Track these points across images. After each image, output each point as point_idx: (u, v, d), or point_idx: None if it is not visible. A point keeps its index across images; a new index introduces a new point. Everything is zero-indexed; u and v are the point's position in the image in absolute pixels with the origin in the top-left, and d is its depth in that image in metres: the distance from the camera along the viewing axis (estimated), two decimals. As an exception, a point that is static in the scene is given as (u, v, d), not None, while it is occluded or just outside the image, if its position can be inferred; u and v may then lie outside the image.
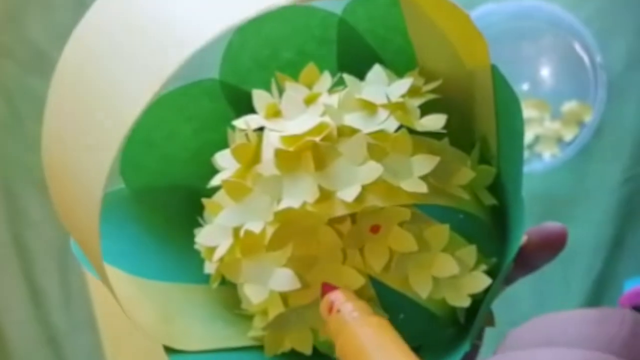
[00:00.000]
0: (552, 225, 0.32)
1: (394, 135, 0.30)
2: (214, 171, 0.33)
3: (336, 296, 0.28)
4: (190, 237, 0.33)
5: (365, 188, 0.28)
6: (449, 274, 0.29)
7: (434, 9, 0.28)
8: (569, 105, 0.71)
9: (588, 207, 0.69)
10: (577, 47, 0.71)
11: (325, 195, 0.28)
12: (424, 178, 0.29)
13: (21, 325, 0.76)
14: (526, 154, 0.72)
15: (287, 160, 0.29)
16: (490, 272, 0.30)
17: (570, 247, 0.32)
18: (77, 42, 0.27)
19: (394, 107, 0.30)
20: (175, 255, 0.34)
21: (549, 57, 0.73)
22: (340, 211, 0.28)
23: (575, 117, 0.71)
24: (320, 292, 0.29)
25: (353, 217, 0.30)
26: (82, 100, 0.25)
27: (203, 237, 0.31)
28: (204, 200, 0.33)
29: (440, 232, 0.30)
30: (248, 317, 0.33)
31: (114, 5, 0.26)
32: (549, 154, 0.71)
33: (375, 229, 0.30)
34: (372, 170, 0.28)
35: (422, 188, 0.28)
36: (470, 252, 0.30)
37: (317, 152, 0.29)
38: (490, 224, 0.32)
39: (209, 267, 0.33)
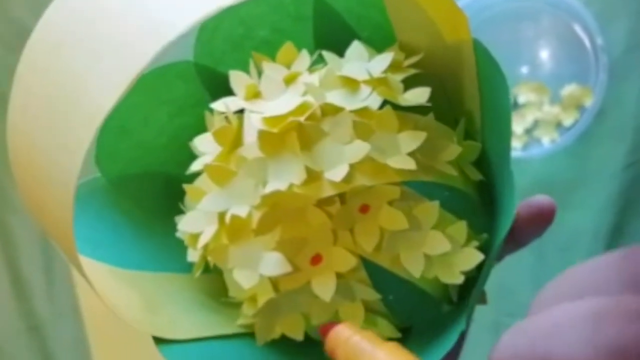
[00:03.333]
0: (540, 199, 0.32)
1: (379, 112, 0.29)
2: (192, 157, 0.32)
3: (342, 330, 0.27)
4: (170, 225, 0.33)
5: (352, 167, 0.28)
6: (441, 251, 0.29)
7: None
8: (569, 89, 0.70)
9: (588, 193, 0.68)
10: (577, 29, 0.70)
11: (313, 176, 0.28)
12: (411, 154, 0.29)
13: (3, 314, 0.75)
14: (525, 139, 0.71)
15: (271, 141, 0.29)
16: (482, 248, 0.30)
17: (570, 235, 0.32)
18: (41, 36, 0.26)
19: (377, 83, 0.30)
20: (156, 244, 0.34)
21: (549, 39, 0.72)
22: (328, 191, 0.28)
23: (575, 101, 0.70)
24: (320, 331, 0.29)
25: (342, 197, 0.30)
26: (49, 96, 0.25)
27: (186, 224, 0.31)
28: (185, 186, 0.32)
29: (430, 209, 0.30)
30: (235, 305, 0.32)
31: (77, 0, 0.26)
32: (548, 139, 0.70)
33: (364, 209, 0.30)
34: (359, 149, 0.28)
35: (410, 165, 0.28)
36: (460, 228, 0.30)
37: (302, 132, 0.29)
38: (478, 200, 0.32)
39: (192, 255, 0.32)
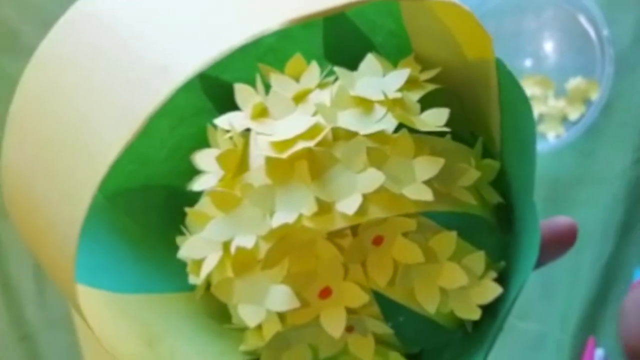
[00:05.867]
0: (562, 220, 0.32)
1: (394, 136, 0.28)
2: (194, 168, 0.31)
3: None
4: (170, 241, 0.32)
5: (366, 198, 0.26)
6: (458, 285, 0.28)
7: (436, 3, 0.27)
8: (575, 82, 0.69)
9: (596, 190, 0.67)
10: (582, 20, 0.69)
11: (323, 208, 0.26)
12: (427, 182, 0.27)
13: (-6, 323, 0.74)
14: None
15: (280, 168, 0.27)
16: (499, 277, 0.29)
17: (578, 233, 0.32)
18: (39, 69, 0.25)
19: (392, 104, 0.28)
20: (156, 262, 0.33)
21: (553, 31, 0.71)
22: (340, 224, 0.26)
23: (581, 94, 0.69)
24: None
25: (354, 228, 0.28)
26: (48, 137, 0.24)
27: (188, 249, 0.29)
28: (188, 210, 0.31)
29: (447, 239, 0.28)
30: (239, 329, 0.31)
31: (79, 28, 0.24)
32: (553, 134, 0.69)
33: (378, 240, 0.28)
34: (373, 179, 0.27)
35: (427, 195, 0.27)
36: (478, 258, 0.29)
37: (312, 158, 0.27)
38: (495, 223, 0.30)
39: (194, 280, 0.31)
